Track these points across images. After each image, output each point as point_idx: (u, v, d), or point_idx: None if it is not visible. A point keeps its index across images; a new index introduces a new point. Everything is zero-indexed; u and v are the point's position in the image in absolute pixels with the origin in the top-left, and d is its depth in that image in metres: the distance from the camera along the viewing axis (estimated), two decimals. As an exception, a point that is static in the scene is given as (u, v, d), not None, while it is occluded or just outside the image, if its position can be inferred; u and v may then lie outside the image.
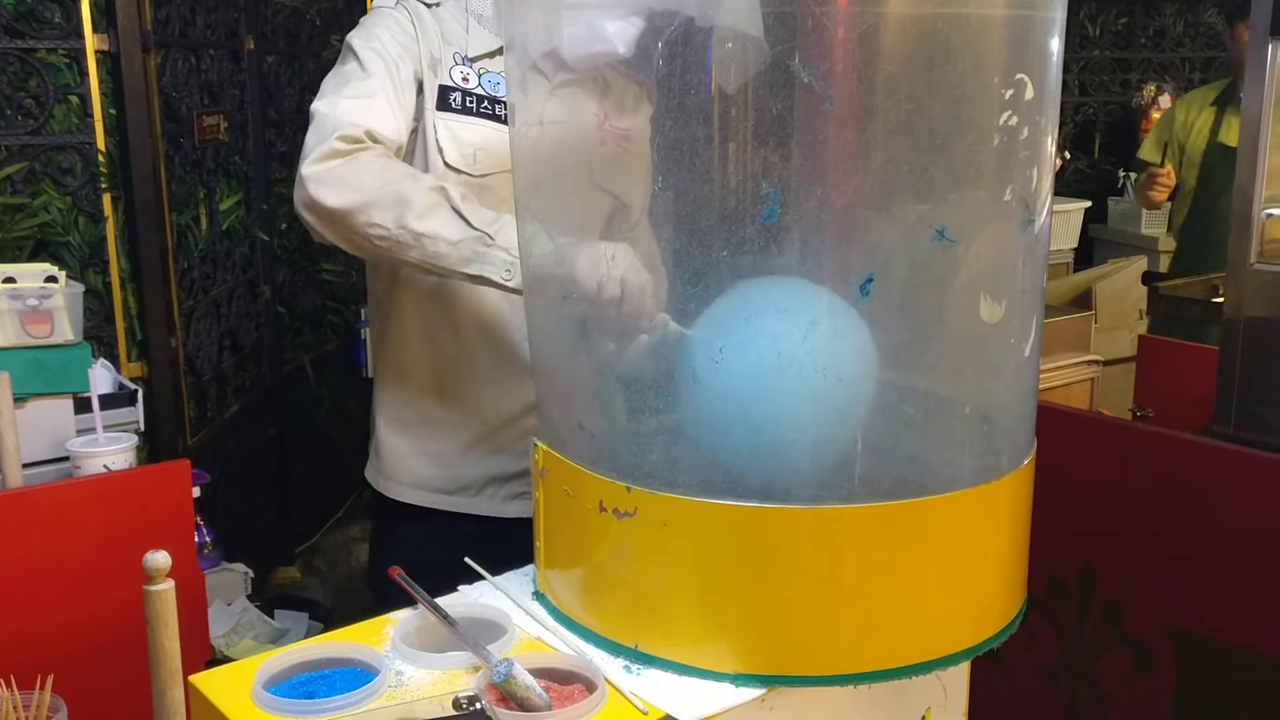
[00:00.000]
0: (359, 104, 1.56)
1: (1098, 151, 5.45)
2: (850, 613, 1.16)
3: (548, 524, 1.32)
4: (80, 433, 1.80)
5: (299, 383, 3.69)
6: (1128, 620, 1.84)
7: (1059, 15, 1.17)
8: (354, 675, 1.20)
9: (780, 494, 1.15)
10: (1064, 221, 4.26)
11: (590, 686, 1.16)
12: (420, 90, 1.65)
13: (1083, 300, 4.00)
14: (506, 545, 1.45)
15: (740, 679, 1.17)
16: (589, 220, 1.40)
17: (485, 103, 1.65)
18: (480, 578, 1.40)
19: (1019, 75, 1.10)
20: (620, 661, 1.22)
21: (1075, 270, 4.57)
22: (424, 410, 1.75)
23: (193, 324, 2.94)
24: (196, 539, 2.68)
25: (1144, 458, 1.77)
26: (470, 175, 1.63)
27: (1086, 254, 5.03)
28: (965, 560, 1.21)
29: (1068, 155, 3.46)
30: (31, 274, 1.82)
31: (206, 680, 1.19)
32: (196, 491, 2.65)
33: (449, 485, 1.76)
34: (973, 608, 1.24)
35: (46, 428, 1.76)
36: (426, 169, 1.64)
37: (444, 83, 1.65)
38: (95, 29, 2.54)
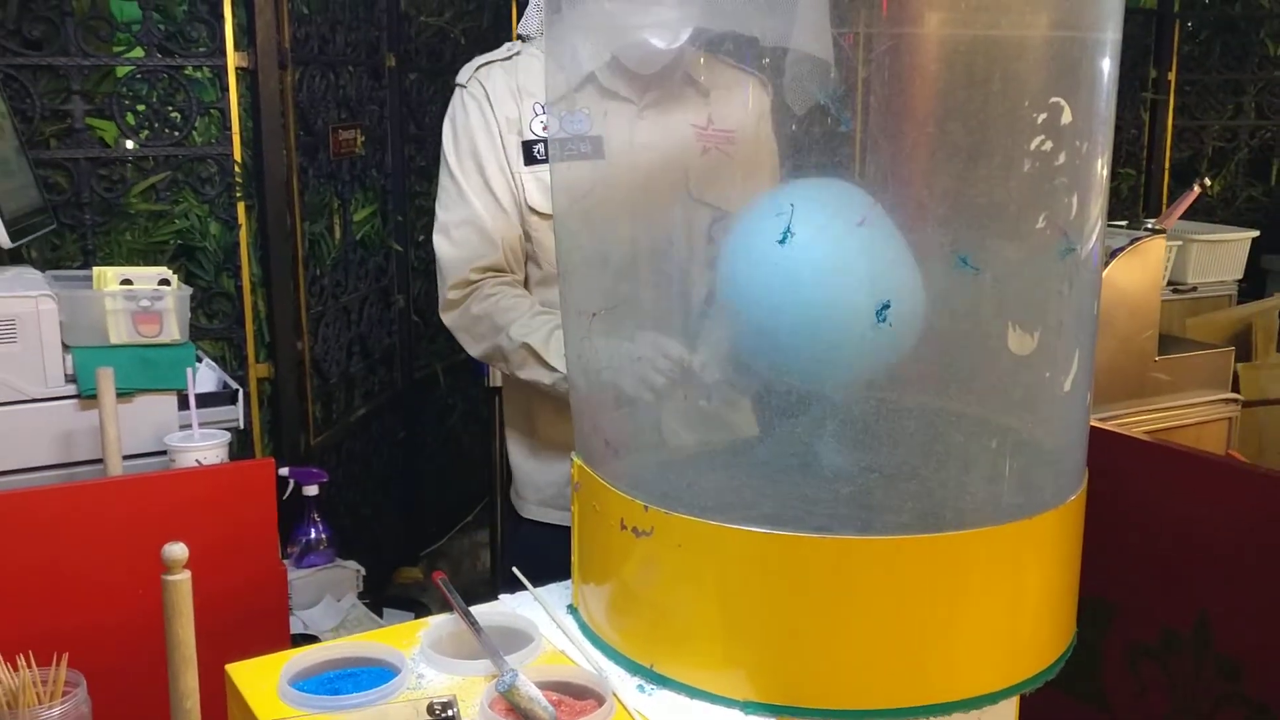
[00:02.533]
0: (462, 237, 1.79)
1: (1275, 178, 5.14)
2: (867, 647, 1.13)
3: (580, 539, 1.33)
4: (183, 428, 1.90)
5: (431, 390, 3.80)
6: (1246, 678, 1.73)
7: (1110, 36, 1.12)
8: (378, 675, 1.23)
9: (797, 521, 1.13)
10: (1227, 252, 4.03)
11: (602, 703, 1.16)
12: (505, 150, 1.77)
13: (1244, 335, 3.78)
14: None
15: (751, 707, 1.16)
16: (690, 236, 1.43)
17: (569, 144, 1.70)
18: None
19: (1054, 99, 1.05)
20: (636, 681, 1.22)
21: (1240, 303, 4.32)
22: (541, 434, 1.87)
23: (321, 328, 3.06)
24: (311, 535, 2.80)
25: (1266, 504, 1.66)
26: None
27: (1258, 286, 4.75)
28: (996, 597, 1.16)
29: (1207, 182, 3.28)
30: (146, 276, 1.93)
31: (239, 670, 1.24)
32: (314, 489, 2.79)
33: (567, 502, 1.81)
34: (1007, 646, 1.19)
35: (150, 421, 1.87)
36: (521, 220, 1.80)
37: (526, 139, 1.76)
38: (237, 47, 2.69)
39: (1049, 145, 1.06)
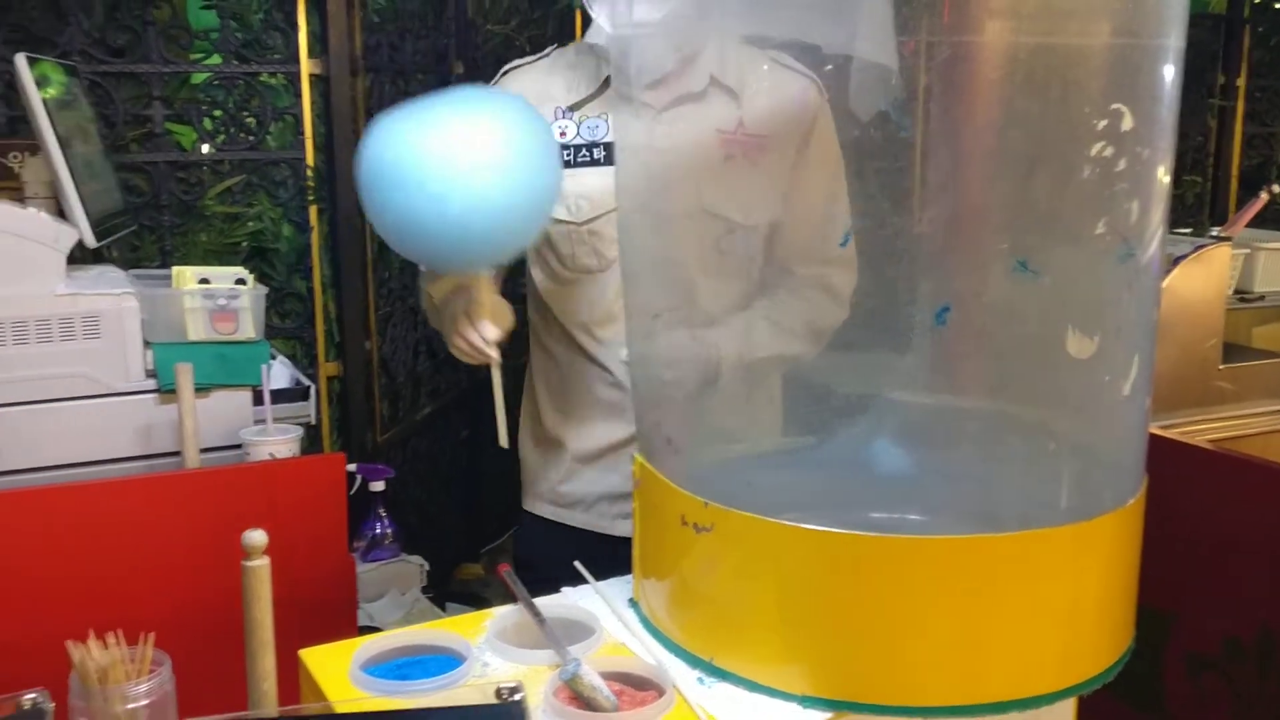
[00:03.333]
0: None
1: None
2: (925, 645, 1.15)
3: (641, 533, 1.36)
4: (257, 423, 1.96)
5: (493, 390, 3.85)
6: (1315, 691, 1.72)
7: (1173, 42, 1.13)
8: (445, 662, 1.27)
9: (857, 520, 1.16)
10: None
11: (662, 695, 1.19)
12: None
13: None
14: (614, 561, 1.50)
15: (808, 701, 1.18)
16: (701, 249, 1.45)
17: (584, 150, 1.71)
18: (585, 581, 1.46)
19: (1115, 105, 1.07)
20: (695, 674, 1.24)
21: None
22: (545, 428, 1.86)
23: (389, 329, 3.13)
24: (377, 529, 2.86)
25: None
26: (575, 224, 1.72)
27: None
28: (1053, 599, 1.18)
29: (1276, 189, 3.24)
30: (223, 276, 1.99)
31: (311, 655, 1.28)
32: (380, 485, 2.85)
33: (563, 500, 1.85)
34: (1065, 647, 1.20)
35: (226, 416, 1.93)
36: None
37: None
38: (310, 54, 2.76)
39: (1110, 151, 1.07)
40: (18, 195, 2.27)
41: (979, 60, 1.07)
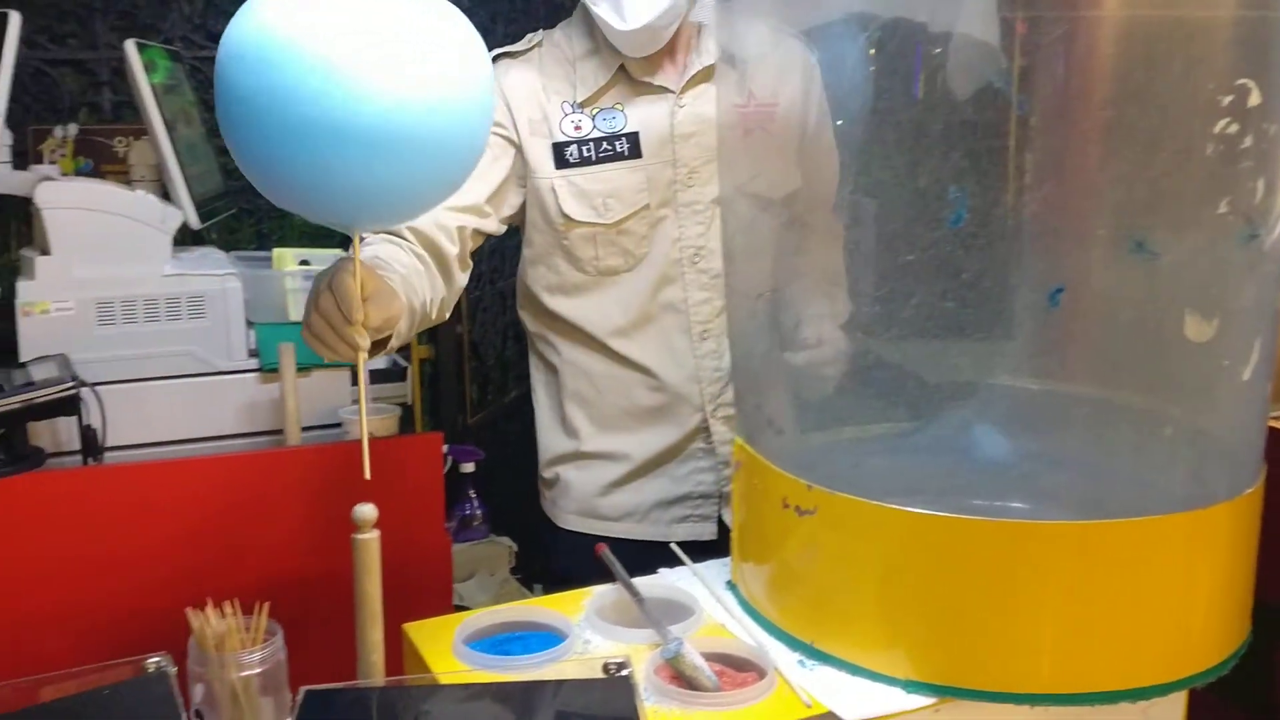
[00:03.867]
0: None
1: None
2: (1031, 631, 1.13)
3: (740, 517, 1.36)
4: (355, 402, 2.00)
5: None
6: None
7: (1303, 16, 1.10)
8: (546, 639, 1.28)
9: (964, 504, 1.14)
10: None
11: (763, 676, 1.19)
12: (521, 156, 1.63)
13: None
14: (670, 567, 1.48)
15: (912, 685, 1.17)
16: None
17: (604, 144, 1.62)
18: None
19: (1241, 80, 1.04)
20: (796, 656, 1.24)
21: None
22: (583, 444, 1.75)
23: (478, 313, 3.16)
24: (467, 510, 2.90)
25: None
26: (603, 225, 1.63)
27: None
28: (1167, 589, 1.15)
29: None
30: (323, 258, 2.03)
31: (417, 629, 1.31)
32: (471, 467, 2.88)
33: (610, 513, 1.76)
34: (1176, 639, 1.18)
35: (325, 395, 1.96)
36: (548, 227, 1.65)
37: (557, 140, 1.62)
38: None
39: (1234, 128, 1.04)
40: (124, 178, 2.34)
41: (1096, 36, 1.04)
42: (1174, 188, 1.07)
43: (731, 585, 1.39)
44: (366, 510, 1.15)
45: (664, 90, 1.63)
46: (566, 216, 1.63)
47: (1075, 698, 1.14)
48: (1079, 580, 1.12)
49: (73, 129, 2.60)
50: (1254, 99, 1.04)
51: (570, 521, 1.79)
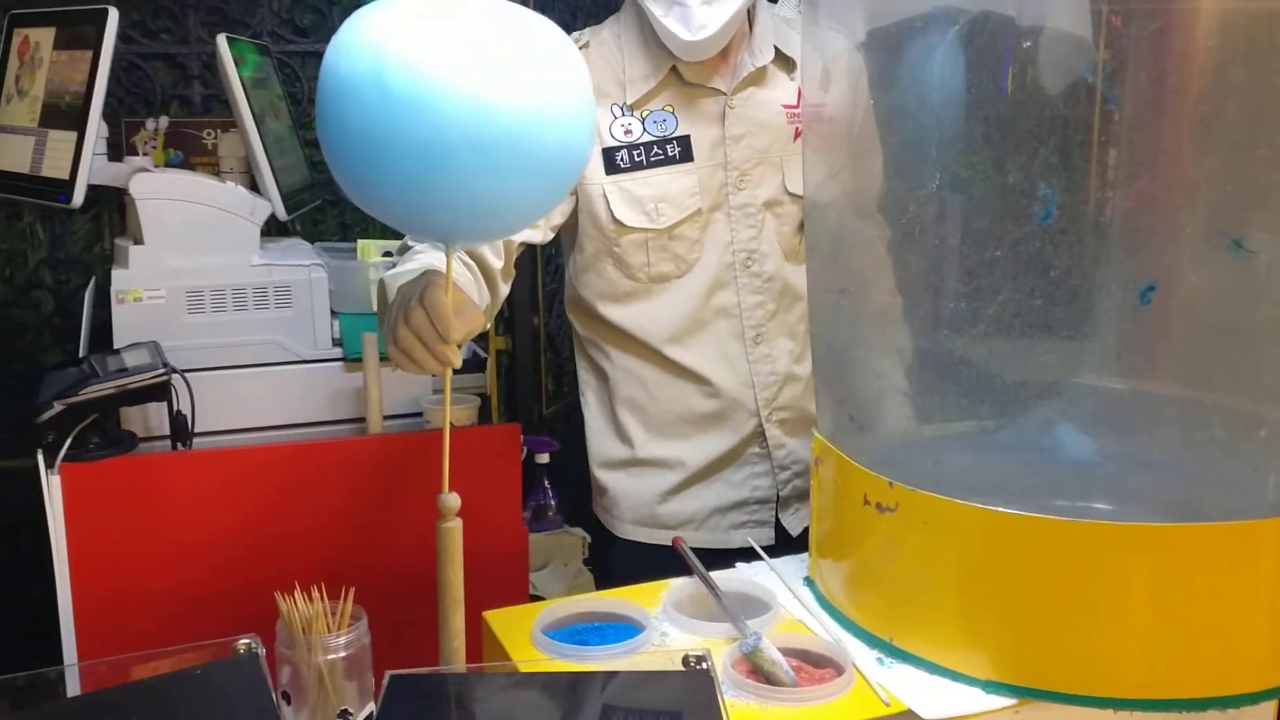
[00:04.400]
0: None
1: None
2: (1115, 634, 1.12)
3: (819, 513, 1.36)
4: (435, 392, 2.02)
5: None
6: None
7: None
8: (624, 630, 1.29)
9: (1047, 503, 1.13)
10: None
11: (840, 673, 1.19)
12: None
13: None
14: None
15: (991, 686, 1.16)
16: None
17: (655, 148, 1.60)
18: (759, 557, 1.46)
19: (1344, 75, 1.01)
20: (874, 654, 1.23)
21: None
22: (636, 450, 1.74)
23: (555, 305, 3.18)
24: (540, 501, 2.93)
25: None
26: (655, 230, 1.61)
27: None
28: (1258, 595, 1.13)
29: None
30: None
31: (496, 617, 1.32)
32: (545, 457, 2.90)
33: (667, 521, 1.74)
34: (1268, 647, 1.15)
35: (407, 385, 1.99)
36: (599, 233, 1.64)
37: (607, 145, 1.60)
38: (486, 32, 2.81)
39: (1336, 124, 1.02)
40: (213, 169, 2.39)
41: (1191, 29, 1.02)
42: (1272, 184, 1.04)
43: (809, 581, 1.39)
44: (451, 499, 1.17)
45: (715, 92, 1.61)
46: (618, 222, 1.61)
47: (1161, 704, 1.12)
48: (1166, 584, 1.10)
49: (164, 121, 2.67)
50: (1359, 92, 1.02)
51: (626, 530, 1.78)
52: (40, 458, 1.65)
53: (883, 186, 1.29)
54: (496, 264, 1.56)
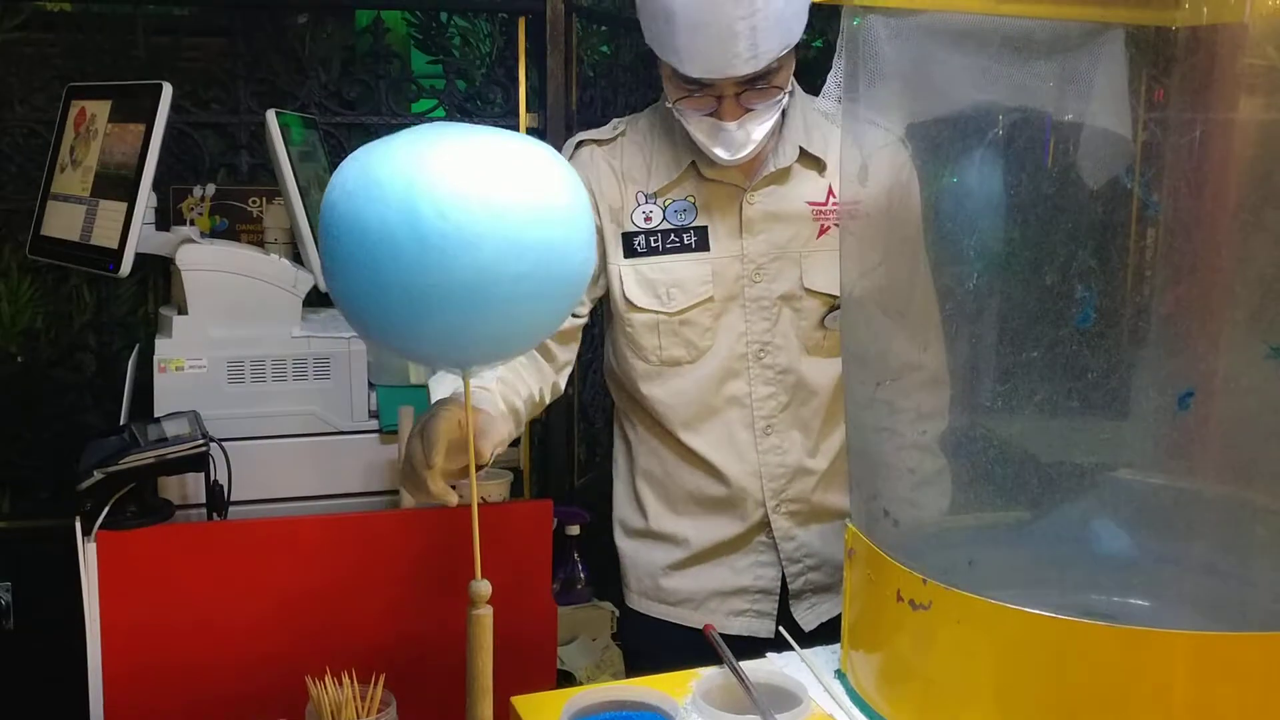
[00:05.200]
0: None
1: None
2: (1154, 743, 1.10)
3: (852, 605, 1.35)
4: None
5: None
6: None
7: None
8: (652, 719, 1.28)
9: (1082, 606, 1.12)
10: None
11: (871, 771, 1.17)
12: (601, 236, 1.64)
13: None
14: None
15: (1026, 790, 1.14)
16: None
17: (672, 236, 1.64)
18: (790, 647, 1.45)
19: (1383, 185, 1.01)
20: (906, 751, 1.22)
21: None
22: (649, 521, 1.78)
23: (589, 375, 3.19)
24: (570, 573, 2.92)
25: None
26: (666, 314, 1.64)
27: None
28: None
29: None
30: (444, 323, 2.08)
31: (524, 702, 1.32)
32: (576, 529, 2.90)
33: (669, 596, 1.77)
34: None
35: (441, 459, 2.00)
36: (615, 312, 1.69)
37: (627, 230, 1.65)
38: (528, 108, 2.87)
39: (1376, 234, 1.02)
40: (257, 237, 2.44)
41: (1230, 137, 1.03)
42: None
43: (840, 674, 1.38)
44: (482, 587, 1.17)
45: (736, 187, 1.65)
46: (629, 302, 1.66)
47: (1200, 814, 1.10)
48: (1207, 693, 1.08)
49: (211, 189, 2.72)
50: (1397, 203, 1.02)
51: (634, 600, 1.82)
52: (78, 524, 1.67)
53: (921, 283, 1.29)
54: (563, 356, 1.67)
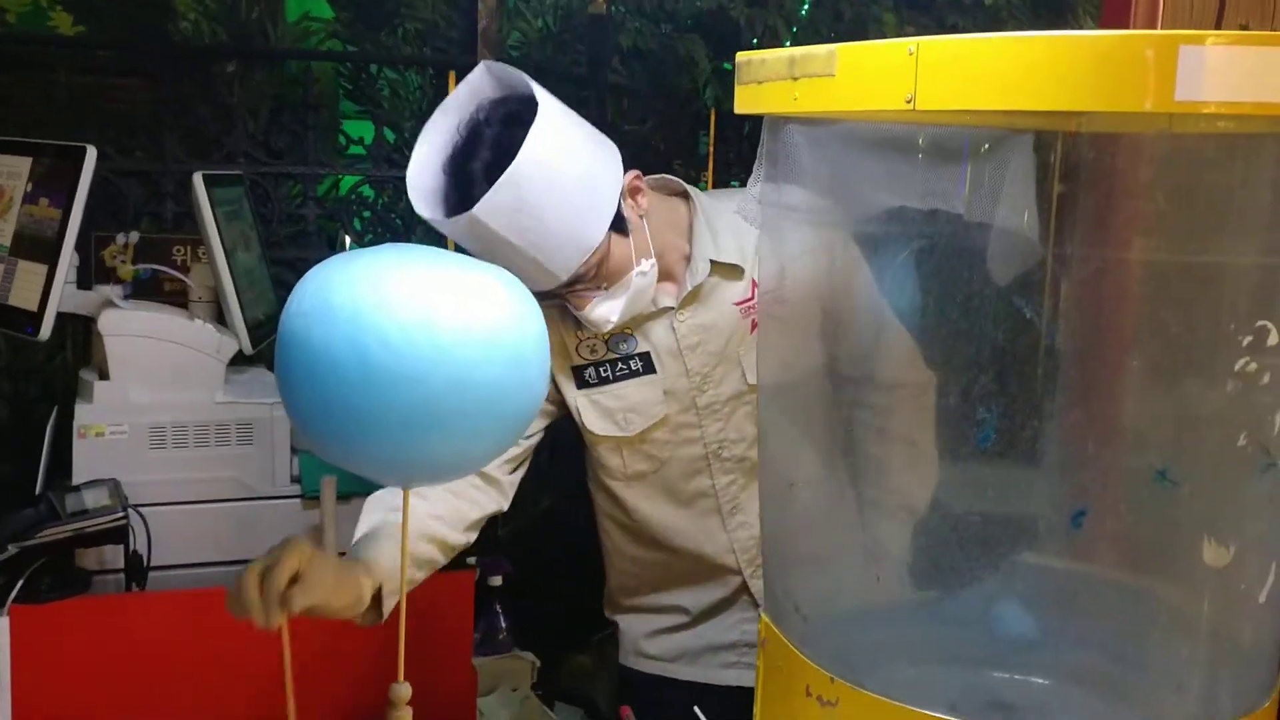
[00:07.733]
0: None
1: None
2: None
3: (764, 696, 1.39)
4: (392, 531, 2.04)
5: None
6: None
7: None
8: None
9: (982, 712, 1.17)
10: None
11: None
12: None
13: None
14: (723, 708, 1.55)
15: None
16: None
17: (620, 364, 1.72)
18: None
19: (1261, 322, 1.08)
20: (817, 845, 1.26)
21: None
22: (637, 591, 1.94)
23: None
24: (491, 625, 2.92)
25: None
26: (625, 437, 1.73)
27: None
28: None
29: None
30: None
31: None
32: (499, 580, 2.90)
33: (666, 654, 1.91)
34: None
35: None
36: (581, 436, 1.78)
37: (575, 363, 1.72)
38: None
39: (1254, 366, 1.08)
40: (181, 287, 2.42)
41: (1125, 275, 1.09)
42: (1195, 420, 1.11)
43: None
44: (403, 690, 1.19)
45: (664, 310, 1.71)
46: (590, 432, 1.74)
47: None
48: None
49: (134, 236, 2.69)
50: (1272, 339, 1.09)
51: (627, 659, 1.97)
52: (-9, 600, 1.65)
53: (833, 383, 1.34)
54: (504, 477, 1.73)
